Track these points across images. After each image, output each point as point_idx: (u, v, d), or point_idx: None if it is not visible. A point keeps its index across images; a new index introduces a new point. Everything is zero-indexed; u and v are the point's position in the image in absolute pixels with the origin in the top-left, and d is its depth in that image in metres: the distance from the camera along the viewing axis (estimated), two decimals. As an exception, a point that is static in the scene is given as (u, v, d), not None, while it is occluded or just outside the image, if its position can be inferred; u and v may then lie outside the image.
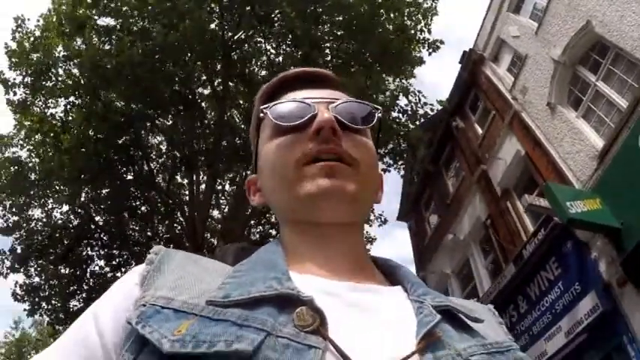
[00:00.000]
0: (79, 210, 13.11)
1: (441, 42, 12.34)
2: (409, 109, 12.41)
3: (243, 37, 12.06)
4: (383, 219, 14.67)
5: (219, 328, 0.59)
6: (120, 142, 11.93)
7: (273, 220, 14.38)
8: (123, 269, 13.17)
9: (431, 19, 12.70)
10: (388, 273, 0.90)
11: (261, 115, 0.91)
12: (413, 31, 12.24)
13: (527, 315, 9.30)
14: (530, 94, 11.37)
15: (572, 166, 9.38)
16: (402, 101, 12.45)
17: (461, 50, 14.97)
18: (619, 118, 8.60)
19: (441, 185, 16.29)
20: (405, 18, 12.28)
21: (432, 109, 12.98)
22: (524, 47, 12.17)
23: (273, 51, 12.47)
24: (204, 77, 12.45)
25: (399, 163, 13.48)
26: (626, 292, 7.34)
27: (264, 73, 12.68)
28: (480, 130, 13.98)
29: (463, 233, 13.54)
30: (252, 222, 13.74)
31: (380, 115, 0.92)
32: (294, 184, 0.82)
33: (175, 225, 13.14)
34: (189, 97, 12.21)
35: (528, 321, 9.19)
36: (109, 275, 13.21)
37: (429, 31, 12.36)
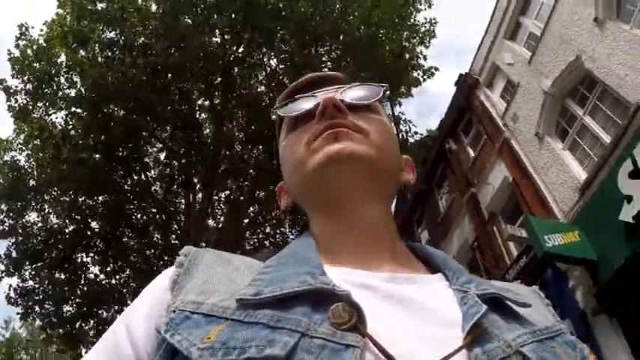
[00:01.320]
0: (76, 216, 13.15)
1: (436, 69, 12.66)
2: (400, 138, 12.62)
3: (241, 55, 12.33)
4: None
5: (251, 332, 0.58)
6: (119, 153, 12.12)
7: (267, 230, 14.61)
8: (117, 276, 13.35)
9: (429, 42, 12.99)
10: (425, 259, 0.88)
11: (274, 117, 0.97)
12: (409, 56, 12.50)
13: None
14: (520, 122, 11.72)
15: (556, 197, 9.72)
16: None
17: (462, 61, 15.18)
18: (602, 152, 8.97)
19: (432, 204, 16.51)
20: (404, 41, 12.57)
21: (421, 139, 13.18)
22: (517, 75, 12.53)
23: (273, 65, 12.77)
24: (204, 92, 12.69)
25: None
26: (599, 322, 7.66)
27: (262, 88, 12.98)
28: (471, 153, 14.28)
29: (452, 253, 13.68)
30: (247, 233, 13.93)
31: (387, 91, 0.93)
32: (305, 164, 0.82)
33: (171, 234, 13.24)
34: (188, 111, 12.44)
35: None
36: (104, 282, 13.34)
37: (425, 58, 12.63)
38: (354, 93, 0.89)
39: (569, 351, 0.70)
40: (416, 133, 12.93)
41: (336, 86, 0.92)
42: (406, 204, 17.41)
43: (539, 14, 12.14)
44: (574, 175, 9.48)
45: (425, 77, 12.77)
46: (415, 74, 12.90)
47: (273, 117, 0.98)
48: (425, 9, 13.17)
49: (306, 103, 0.89)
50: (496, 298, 0.71)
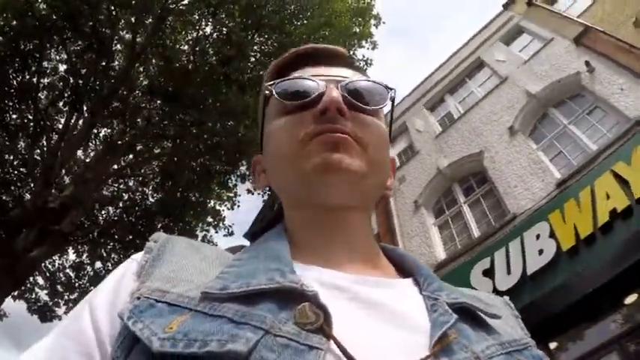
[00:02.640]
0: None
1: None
2: None
3: (183, 8, 11.83)
4: (230, 231, 14.64)
5: (214, 325, 0.56)
6: (22, 45, 11.15)
7: (131, 184, 14.02)
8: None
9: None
10: (398, 263, 0.86)
11: (267, 92, 0.88)
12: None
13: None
14: (405, 186, 12.04)
15: (410, 264, 10.08)
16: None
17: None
18: (467, 242, 9.47)
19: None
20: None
21: None
22: (420, 143, 12.93)
23: (206, 32, 12.42)
24: (132, 25, 12.01)
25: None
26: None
27: (185, 47, 12.65)
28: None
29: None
30: (111, 179, 13.32)
31: (394, 95, 0.88)
32: (297, 162, 0.78)
33: (38, 149, 12.29)
34: (108, 36, 11.68)
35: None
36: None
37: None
38: (358, 89, 0.83)
39: None
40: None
41: (339, 74, 0.86)
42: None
43: (465, 100, 12.75)
44: (434, 252, 9.88)
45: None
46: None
47: (266, 92, 0.88)
48: (368, 48, 13.40)
49: (305, 88, 0.82)
50: (466, 308, 0.70)
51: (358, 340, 0.57)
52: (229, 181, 13.42)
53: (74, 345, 0.63)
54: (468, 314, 0.70)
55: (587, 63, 9.74)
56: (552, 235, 7.25)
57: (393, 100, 0.88)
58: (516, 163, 9.60)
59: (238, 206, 14.65)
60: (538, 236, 7.47)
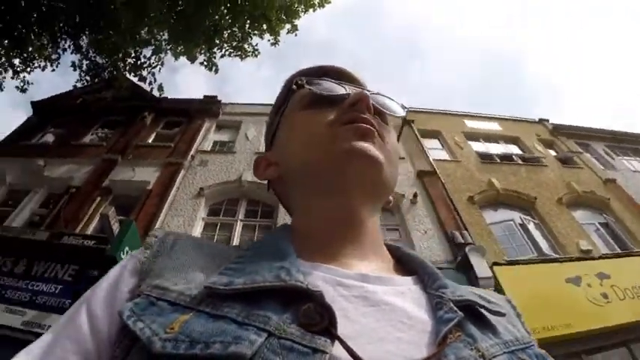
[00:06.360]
0: None
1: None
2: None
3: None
4: (24, 88, 11.89)
5: (217, 325, 0.53)
6: None
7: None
8: None
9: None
10: (402, 260, 0.83)
11: (294, 86, 0.91)
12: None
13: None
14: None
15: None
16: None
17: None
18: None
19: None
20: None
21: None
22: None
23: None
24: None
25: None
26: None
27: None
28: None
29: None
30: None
31: (406, 112, 0.92)
32: (325, 145, 0.77)
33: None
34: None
35: None
36: None
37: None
38: (380, 100, 0.88)
39: None
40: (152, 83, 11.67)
41: (363, 87, 0.90)
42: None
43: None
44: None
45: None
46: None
47: (294, 86, 0.92)
48: (268, 40, 12.38)
49: (335, 89, 0.86)
50: (471, 306, 0.68)
51: (364, 340, 0.56)
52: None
53: (72, 345, 0.59)
54: (473, 312, 0.68)
55: (415, 194, 10.57)
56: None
57: (404, 119, 0.87)
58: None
59: (53, 70, 12.21)
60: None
